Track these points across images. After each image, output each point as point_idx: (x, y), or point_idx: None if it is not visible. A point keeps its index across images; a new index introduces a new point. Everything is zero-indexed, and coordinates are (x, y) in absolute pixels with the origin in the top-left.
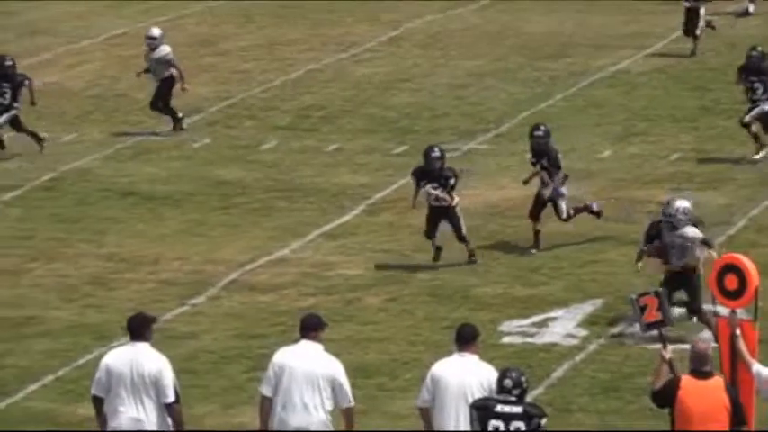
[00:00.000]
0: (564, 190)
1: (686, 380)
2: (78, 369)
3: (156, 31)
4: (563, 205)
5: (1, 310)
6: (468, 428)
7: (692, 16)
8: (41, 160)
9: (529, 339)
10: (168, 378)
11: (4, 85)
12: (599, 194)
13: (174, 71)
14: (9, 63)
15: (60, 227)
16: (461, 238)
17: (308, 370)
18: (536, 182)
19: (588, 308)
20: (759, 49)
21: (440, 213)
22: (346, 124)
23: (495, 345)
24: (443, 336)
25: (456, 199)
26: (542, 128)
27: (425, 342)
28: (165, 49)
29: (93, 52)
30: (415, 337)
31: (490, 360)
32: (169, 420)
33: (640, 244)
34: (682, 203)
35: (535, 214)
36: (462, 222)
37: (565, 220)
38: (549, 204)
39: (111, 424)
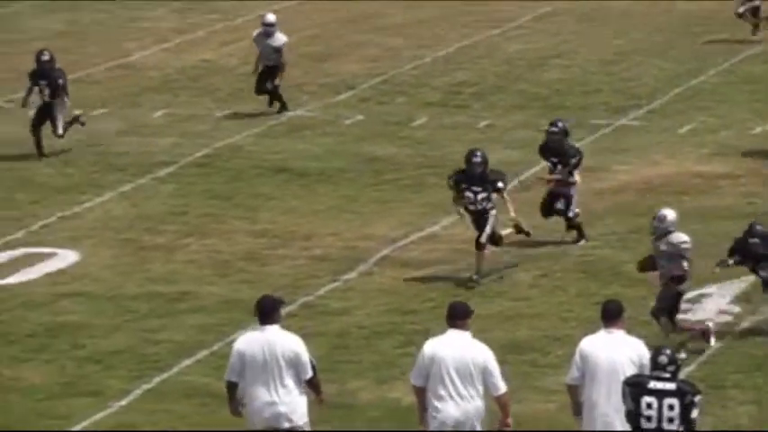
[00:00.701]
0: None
1: None
2: (232, 345)
3: (272, 18)
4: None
5: (155, 285)
6: (620, 404)
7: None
8: (196, 137)
9: (681, 316)
10: (305, 355)
11: (41, 82)
12: (751, 171)
13: (281, 60)
14: (45, 58)
15: (214, 203)
16: (480, 242)
17: (459, 359)
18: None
19: (742, 285)
20: None
21: (480, 216)
22: (498, 101)
23: (646, 322)
24: (595, 312)
25: (493, 209)
26: (559, 124)
27: (577, 318)
28: (281, 38)
29: (247, 29)
30: (567, 314)
31: (642, 338)
32: (304, 398)
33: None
34: (660, 211)
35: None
36: (489, 228)
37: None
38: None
39: (249, 409)
